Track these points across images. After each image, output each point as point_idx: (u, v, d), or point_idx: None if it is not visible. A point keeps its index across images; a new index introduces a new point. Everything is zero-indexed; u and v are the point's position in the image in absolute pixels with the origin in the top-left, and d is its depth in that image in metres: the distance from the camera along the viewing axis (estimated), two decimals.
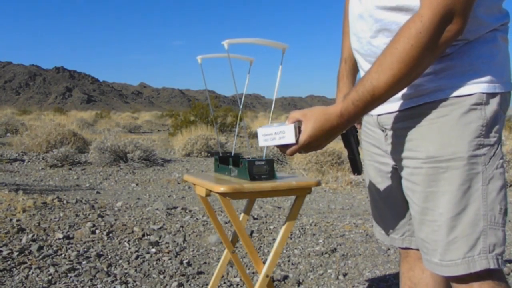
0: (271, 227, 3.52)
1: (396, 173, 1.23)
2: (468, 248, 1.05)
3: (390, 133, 1.18)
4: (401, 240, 1.31)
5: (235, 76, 1.62)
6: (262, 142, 1.13)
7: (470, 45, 1.04)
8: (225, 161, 1.74)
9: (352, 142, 1.41)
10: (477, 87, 1.03)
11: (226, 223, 3.51)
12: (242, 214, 1.98)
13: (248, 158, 1.61)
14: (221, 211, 3.85)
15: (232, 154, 1.72)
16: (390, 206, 1.30)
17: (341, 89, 1.46)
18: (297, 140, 1.08)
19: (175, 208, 3.98)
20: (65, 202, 3.82)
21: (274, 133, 1.11)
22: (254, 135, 14.21)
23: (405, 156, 1.13)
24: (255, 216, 3.83)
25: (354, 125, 1.43)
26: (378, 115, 1.20)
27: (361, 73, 1.25)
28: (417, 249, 1.29)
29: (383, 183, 1.29)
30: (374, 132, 1.27)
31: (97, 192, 5.39)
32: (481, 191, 1.04)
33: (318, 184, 1.62)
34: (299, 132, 1.09)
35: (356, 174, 1.45)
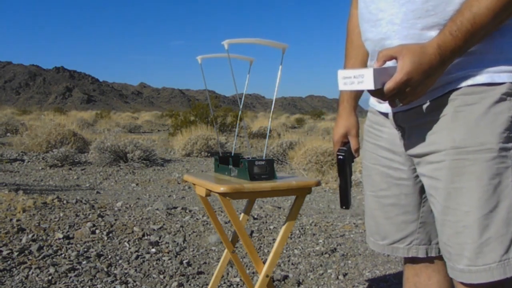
0: (271, 227, 3.52)
1: (410, 179, 1.14)
2: (504, 249, 0.96)
3: (409, 130, 1.09)
4: (407, 250, 1.21)
5: (235, 76, 1.62)
6: (342, 85, 0.97)
7: (500, 32, 0.97)
8: (225, 161, 1.74)
9: (347, 171, 1.32)
10: (507, 76, 0.97)
11: (226, 223, 3.51)
12: (242, 214, 1.98)
13: (248, 158, 1.61)
14: (221, 211, 3.85)
15: (232, 154, 1.73)
16: (397, 214, 1.19)
17: (341, 114, 1.38)
18: (378, 86, 0.92)
19: (175, 208, 3.98)
20: (65, 202, 3.82)
21: (353, 77, 0.94)
22: (254, 135, 14.20)
23: (427, 151, 1.04)
24: (255, 216, 3.83)
25: (352, 153, 1.36)
26: (395, 113, 1.10)
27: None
28: (424, 256, 1.21)
29: (389, 189, 1.18)
30: (385, 132, 1.17)
31: (97, 192, 5.39)
32: (511, 187, 0.96)
33: (318, 184, 1.62)
34: (387, 74, 0.92)
35: (344, 207, 1.36)
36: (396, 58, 0.93)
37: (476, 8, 0.90)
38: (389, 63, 0.95)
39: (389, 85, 0.92)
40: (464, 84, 0.99)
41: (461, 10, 0.92)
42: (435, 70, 0.93)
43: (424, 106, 1.04)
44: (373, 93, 0.96)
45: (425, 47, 0.92)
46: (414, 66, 0.91)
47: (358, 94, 1.37)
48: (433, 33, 0.97)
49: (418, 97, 0.96)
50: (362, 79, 0.92)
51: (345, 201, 1.36)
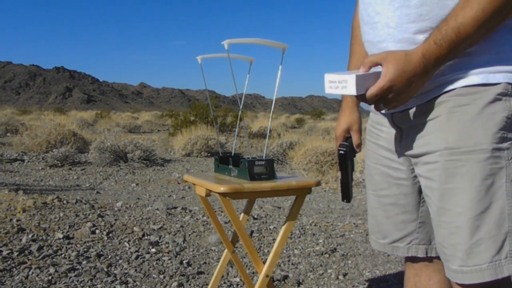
0: (271, 227, 3.52)
1: (409, 179, 1.14)
2: (495, 251, 0.96)
3: (406, 131, 1.09)
4: (407, 249, 1.21)
5: (235, 76, 1.62)
6: (327, 89, 0.99)
7: (495, 32, 0.95)
8: (225, 161, 1.74)
9: (348, 166, 1.34)
10: (503, 76, 0.97)
11: (226, 223, 3.51)
12: (242, 214, 1.98)
13: (248, 158, 1.61)
14: (221, 211, 3.85)
15: (232, 154, 1.73)
16: (397, 213, 1.19)
17: (343, 110, 1.39)
18: (361, 92, 0.94)
19: (175, 208, 3.98)
20: (65, 202, 3.82)
21: (338, 81, 0.97)
22: (254, 135, 14.20)
23: (423, 152, 1.04)
24: (255, 216, 3.83)
25: (354, 148, 1.36)
26: (392, 113, 1.11)
27: None
28: (424, 256, 1.21)
29: (389, 189, 1.19)
30: (384, 132, 1.18)
31: (97, 192, 5.39)
32: (505, 188, 0.96)
33: (318, 184, 1.62)
34: (372, 79, 0.93)
35: (345, 201, 1.38)
36: (381, 65, 0.94)
37: (461, 17, 0.89)
38: (375, 69, 0.96)
39: (371, 91, 0.94)
40: (458, 85, 0.99)
41: (447, 19, 0.92)
42: (418, 78, 0.94)
43: (420, 108, 1.05)
44: (357, 97, 0.97)
45: (409, 54, 0.93)
46: (398, 74, 0.92)
47: None
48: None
49: (402, 103, 0.97)
50: (346, 84, 0.95)
51: (346, 195, 1.37)
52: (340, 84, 0.96)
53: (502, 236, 0.96)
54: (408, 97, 0.96)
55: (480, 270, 0.97)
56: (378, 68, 0.95)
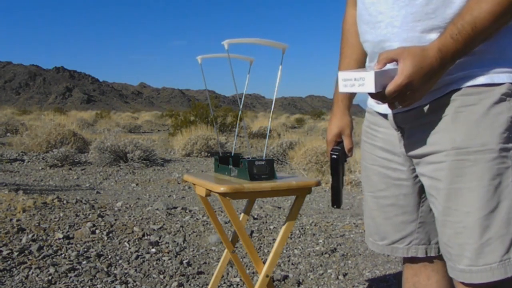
0: (271, 227, 3.52)
1: (409, 179, 1.14)
2: (505, 250, 0.97)
3: (409, 131, 1.09)
4: (406, 250, 1.20)
5: (235, 76, 1.62)
6: (342, 87, 0.97)
7: (501, 32, 0.96)
8: (225, 161, 1.74)
9: (340, 171, 1.34)
10: (507, 76, 0.98)
11: (226, 223, 3.51)
12: (242, 214, 1.98)
13: (248, 158, 1.61)
14: (221, 211, 3.85)
15: (232, 154, 1.73)
16: (396, 214, 1.18)
17: (335, 114, 1.38)
18: (378, 90, 0.92)
19: (175, 208, 3.98)
20: (65, 202, 3.82)
21: (354, 79, 0.94)
22: (254, 135, 14.20)
23: (428, 152, 1.04)
24: (255, 216, 3.83)
25: (345, 153, 1.36)
26: (394, 114, 1.10)
27: None
28: (424, 256, 1.21)
29: (388, 190, 1.18)
30: (383, 133, 1.17)
31: (97, 192, 5.39)
32: (511, 187, 0.96)
33: (318, 184, 1.62)
34: (388, 76, 0.92)
35: (335, 207, 1.37)
36: (396, 61, 0.93)
37: (477, 12, 0.90)
38: (389, 66, 0.95)
39: (390, 88, 0.92)
40: (464, 84, 0.99)
41: (462, 13, 0.92)
42: (435, 73, 0.93)
43: (425, 107, 1.04)
44: (373, 95, 0.96)
45: (426, 50, 0.92)
46: (415, 69, 0.90)
47: (353, 94, 1.36)
48: (433, 36, 0.97)
49: (417, 100, 0.96)
50: (363, 82, 0.92)
51: (337, 201, 1.37)
52: (357, 81, 0.93)
53: (511, 235, 0.97)
54: (423, 93, 0.95)
55: (490, 270, 0.97)
56: (392, 65, 0.95)
